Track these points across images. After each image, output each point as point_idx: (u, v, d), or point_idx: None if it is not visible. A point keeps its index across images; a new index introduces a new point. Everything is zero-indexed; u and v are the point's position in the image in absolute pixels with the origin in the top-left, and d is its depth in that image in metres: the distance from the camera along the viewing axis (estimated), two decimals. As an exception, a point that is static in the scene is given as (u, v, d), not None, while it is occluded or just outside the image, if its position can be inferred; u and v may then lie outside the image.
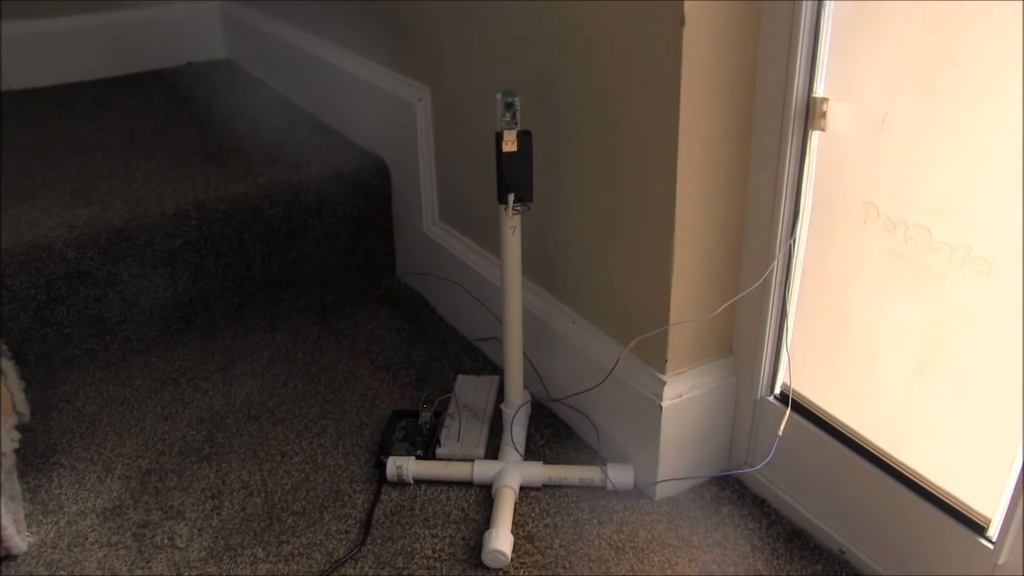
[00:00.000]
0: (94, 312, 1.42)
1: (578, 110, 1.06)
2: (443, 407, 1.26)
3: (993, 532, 0.84)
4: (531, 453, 1.19)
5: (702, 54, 0.90)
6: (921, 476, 0.91)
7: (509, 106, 0.97)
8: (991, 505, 0.84)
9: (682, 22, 0.87)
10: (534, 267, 1.24)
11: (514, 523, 1.07)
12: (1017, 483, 0.80)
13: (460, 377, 1.33)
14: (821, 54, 0.89)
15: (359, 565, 1.03)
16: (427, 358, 1.42)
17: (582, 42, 1.02)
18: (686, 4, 0.86)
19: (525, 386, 1.20)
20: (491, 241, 1.36)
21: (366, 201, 1.59)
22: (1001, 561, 0.83)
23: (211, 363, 1.43)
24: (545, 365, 1.26)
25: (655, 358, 1.06)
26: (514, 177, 1.01)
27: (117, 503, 1.13)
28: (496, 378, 1.33)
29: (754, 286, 1.02)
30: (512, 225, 1.05)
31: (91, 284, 1.40)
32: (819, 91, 0.91)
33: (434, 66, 1.37)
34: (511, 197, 1.02)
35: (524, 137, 1.00)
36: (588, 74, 1.02)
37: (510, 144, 0.99)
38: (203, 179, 1.55)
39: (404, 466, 1.14)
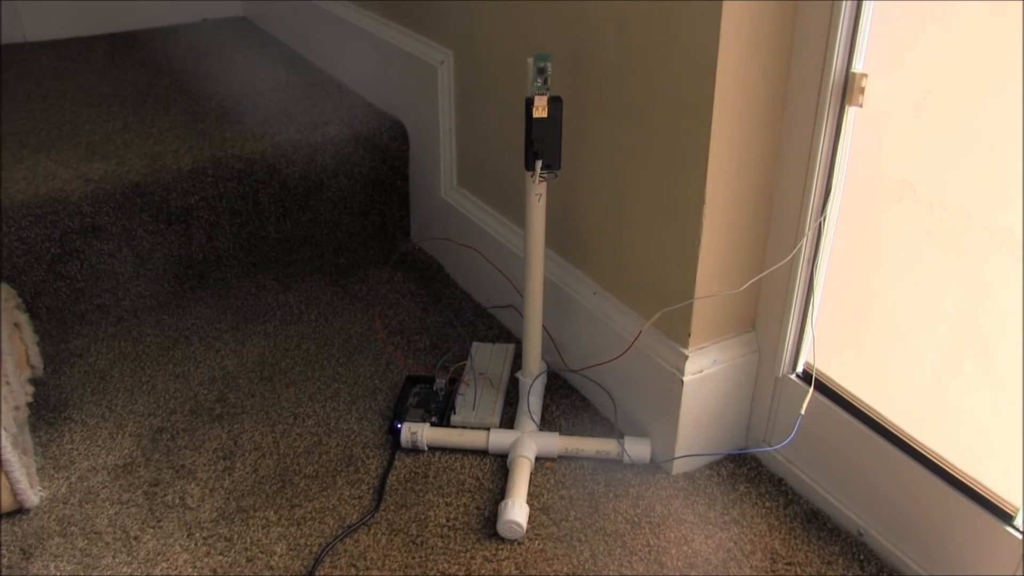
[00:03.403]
0: (107, 267, 1.41)
1: (609, 77, 1.04)
2: (458, 374, 1.25)
3: (1021, 521, 0.83)
4: (547, 423, 1.19)
5: (741, 24, 0.88)
6: (947, 461, 0.90)
7: (541, 71, 0.95)
8: (1019, 493, 0.83)
9: (723, -11, 0.85)
10: (556, 236, 1.22)
11: (529, 494, 1.06)
12: (1047, 472, 0.79)
13: (475, 344, 1.32)
14: (862, 28, 0.87)
15: (372, 532, 1.02)
16: (442, 324, 1.41)
17: (615, 9, 0.99)
18: (728, -30, 0.84)
19: (542, 356, 1.19)
20: (511, 208, 1.34)
21: (383, 163, 1.58)
22: (1028, 550, 0.82)
23: (223, 322, 1.42)
24: (563, 335, 1.24)
25: (678, 332, 1.05)
26: (543, 144, 0.99)
27: (128, 460, 1.13)
28: (512, 346, 1.32)
29: (782, 262, 1.01)
30: (538, 192, 1.03)
31: (105, 239, 1.39)
32: (858, 66, 0.89)
33: (458, 29, 1.34)
34: (539, 164, 1.00)
35: (555, 103, 0.98)
36: (622, 41, 1.00)
37: (540, 110, 0.97)
38: (219, 136, 1.53)
39: (419, 432, 1.13)
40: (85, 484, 1.09)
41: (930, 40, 0.82)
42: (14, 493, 1.03)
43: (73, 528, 1.03)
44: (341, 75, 1.81)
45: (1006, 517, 0.85)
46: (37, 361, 1.26)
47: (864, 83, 0.88)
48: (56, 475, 1.11)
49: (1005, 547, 0.85)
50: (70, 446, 1.15)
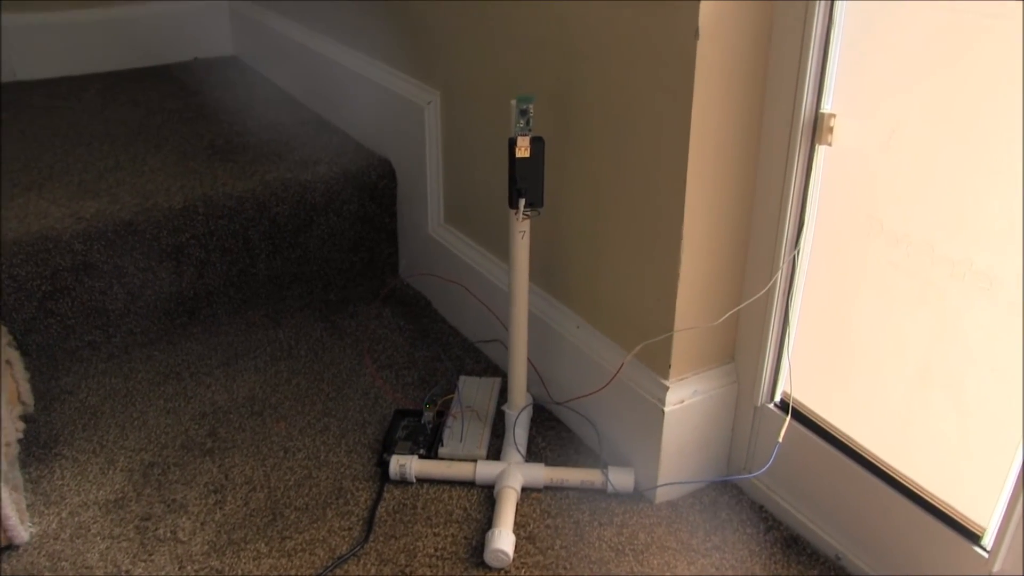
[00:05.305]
0: (98, 304, 1.43)
1: (589, 117, 1.08)
2: (446, 407, 1.27)
3: (988, 541, 0.86)
4: (533, 455, 1.21)
5: (715, 67, 0.92)
6: (918, 485, 0.93)
7: (524, 113, 0.99)
8: (986, 514, 0.86)
9: (696, 35, 0.89)
10: (540, 272, 1.25)
11: (516, 523, 1.08)
12: (1012, 492, 0.82)
13: (463, 378, 1.35)
14: (830, 70, 0.91)
15: (362, 562, 1.04)
16: (429, 358, 1.43)
17: (596, 51, 1.03)
18: (701, 17, 0.88)
19: (527, 389, 1.21)
20: (497, 244, 1.37)
21: (371, 201, 1.61)
22: (996, 569, 0.85)
23: (214, 358, 1.43)
24: (548, 368, 1.27)
25: (659, 363, 1.07)
26: (526, 182, 1.02)
27: (119, 495, 1.14)
28: (498, 380, 1.34)
29: (758, 295, 1.04)
30: (522, 230, 1.07)
31: (96, 276, 1.41)
32: (827, 107, 0.93)
33: (445, 71, 1.38)
34: (522, 202, 1.03)
35: (537, 143, 1.01)
36: (601, 82, 1.04)
37: (523, 150, 1.00)
38: (210, 175, 1.56)
39: (407, 465, 1.15)
40: (76, 519, 1.10)
41: (894, 82, 0.86)
42: (4, 529, 1.04)
43: (64, 563, 1.04)
44: (330, 114, 1.84)
45: (974, 537, 0.88)
46: (28, 398, 1.27)
47: (832, 123, 0.92)
48: (47, 511, 1.12)
49: (974, 565, 0.87)
50: (61, 482, 1.17)
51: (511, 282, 1.11)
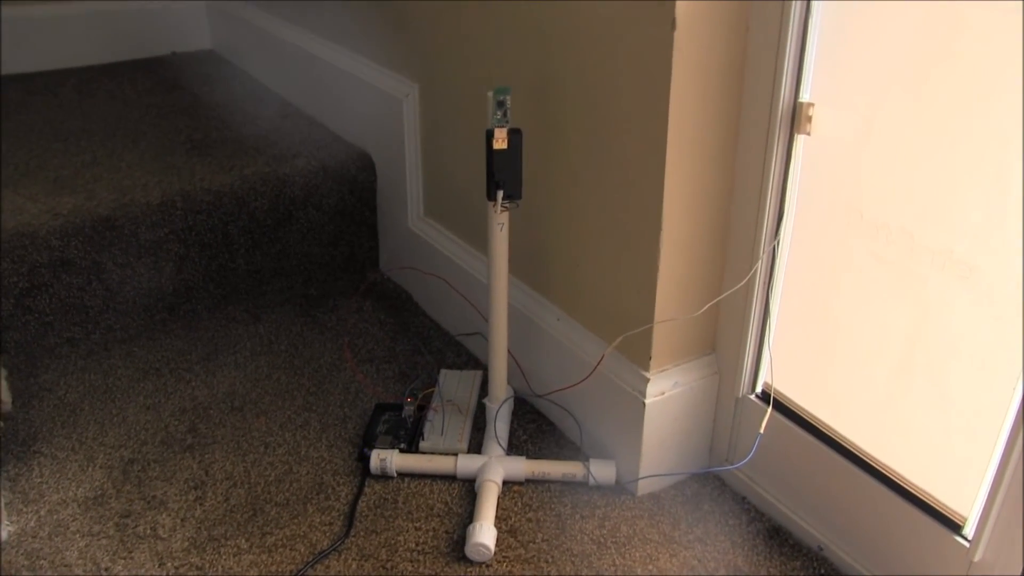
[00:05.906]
0: (77, 301, 1.41)
1: (567, 109, 1.07)
2: (426, 401, 1.27)
3: (969, 530, 0.87)
4: (514, 448, 1.20)
5: (692, 57, 0.91)
6: (899, 475, 0.93)
7: (500, 104, 0.98)
8: (967, 504, 0.87)
9: (673, 25, 0.88)
10: (520, 264, 1.25)
11: (497, 517, 1.08)
12: (993, 482, 0.82)
13: (443, 372, 1.34)
14: (808, 60, 0.91)
15: (343, 557, 1.03)
16: (410, 352, 1.43)
17: (573, 42, 1.03)
18: (677, 8, 0.87)
19: (508, 382, 1.21)
20: (477, 237, 1.36)
21: (351, 195, 1.60)
22: (976, 559, 0.85)
23: (194, 353, 1.42)
24: (529, 361, 1.27)
25: (639, 355, 1.07)
26: (504, 174, 1.02)
27: (99, 492, 1.13)
28: (479, 373, 1.34)
29: (738, 286, 1.04)
30: (500, 222, 1.06)
31: (75, 272, 1.39)
32: (805, 96, 0.93)
33: (423, 62, 1.37)
34: (500, 194, 1.03)
35: (514, 135, 1.00)
36: (579, 74, 1.03)
37: (500, 142, 0.99)
38: (188, 170, 1.55)
39: (388, 459, 1.14)
40: (55, 517, 1.09)
41: (873, 71, 0.86)
42: (-17, 528, 1.03)
43: (42, 562, 1.03)
44: (309, 108, 1.83)
45: (955, 527, 0.88)
46: (5, 395, 1.26)
47: (811, 112, 0.92)
48: (25, 509, 1.11)
49: (954, 554, 0.88)
50: (39, 480, 1.15)
51: (490, 275, 1.11)
